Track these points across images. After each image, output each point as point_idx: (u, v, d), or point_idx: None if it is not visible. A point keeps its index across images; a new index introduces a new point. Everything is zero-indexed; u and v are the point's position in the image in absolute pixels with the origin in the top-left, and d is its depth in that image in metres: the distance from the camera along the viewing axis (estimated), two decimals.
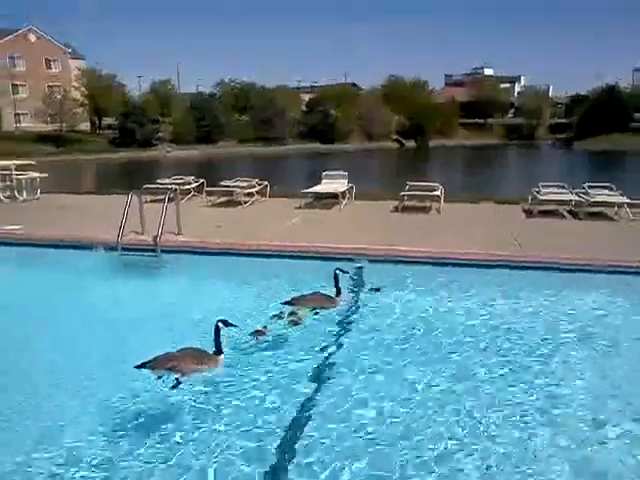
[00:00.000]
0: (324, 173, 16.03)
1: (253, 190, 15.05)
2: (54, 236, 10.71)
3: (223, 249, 9.98)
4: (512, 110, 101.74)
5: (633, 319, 7.26)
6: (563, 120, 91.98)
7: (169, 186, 14.33)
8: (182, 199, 13.44)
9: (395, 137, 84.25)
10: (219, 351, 5.38)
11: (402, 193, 14.05)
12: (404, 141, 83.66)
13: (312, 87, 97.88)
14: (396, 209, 13.87)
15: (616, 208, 13.04)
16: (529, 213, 13.37)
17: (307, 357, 6.06)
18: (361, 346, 6.35)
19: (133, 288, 8.94)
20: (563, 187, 14.06)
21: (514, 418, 4.88)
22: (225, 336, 5.58)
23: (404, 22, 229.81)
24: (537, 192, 13.61)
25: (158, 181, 15.92)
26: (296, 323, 6.68)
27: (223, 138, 73.48)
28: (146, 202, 11.39)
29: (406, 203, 14.05)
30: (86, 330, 6.95)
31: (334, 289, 7.22)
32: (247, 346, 6.24)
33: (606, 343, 6.43)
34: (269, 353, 6.12)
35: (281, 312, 6.87)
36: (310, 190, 15.01)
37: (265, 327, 6.54)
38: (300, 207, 14.25)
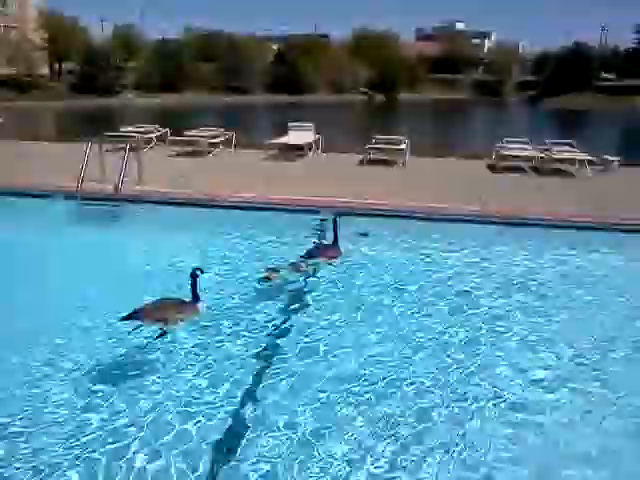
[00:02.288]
0: (290, 124, 15.82)
1: (218, 140, 14.81)
2: (11, 184, 10.41)
3: (185, 200, 9.86)
4: (482, 67, 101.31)
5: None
6: (531, 77, 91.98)
7: (131, 134, 14.01)
8: (145, 148, 13.17)
9: (364, 90, 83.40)
10: (197, 298, 5.32)
11: (368, 146, 14.02)
12: (373, 94, 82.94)
13: (280, 37, 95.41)
14: (362, 162, 13.86)
15: (577, 165, 13.29)
16: (493, 168, 13.54)
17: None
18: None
19: (92, 237, 8.80)
20: (527, 143, 14.21)
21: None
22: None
23: None
24: (501, 148, 13.74)
25: (120, 129, 15.50)
26: (299, 270, 6.85)
27: (188, 87, 71.58)
28: (108, 151, 11.11)
29: (372, 156, 14.05)
30: (44, 280, 6.86)
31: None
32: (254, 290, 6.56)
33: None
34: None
35: (278, 265, 7.04)
36: (276, 141, 14.85)
37: (273, 273, 6.79)
38: (266, 158, 14.11)
